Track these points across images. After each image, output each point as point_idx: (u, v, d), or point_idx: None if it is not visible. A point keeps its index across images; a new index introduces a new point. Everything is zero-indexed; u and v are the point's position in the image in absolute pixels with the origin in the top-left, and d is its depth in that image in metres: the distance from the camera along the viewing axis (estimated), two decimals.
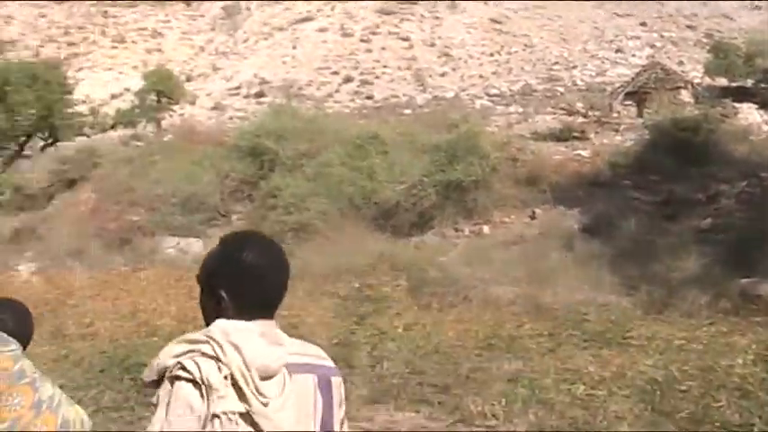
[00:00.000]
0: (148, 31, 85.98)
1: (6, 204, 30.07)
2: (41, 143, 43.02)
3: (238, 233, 2.65)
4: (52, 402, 3.21)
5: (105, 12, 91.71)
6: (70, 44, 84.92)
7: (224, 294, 2.42)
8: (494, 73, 61.01)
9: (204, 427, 2.24)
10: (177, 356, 2.32)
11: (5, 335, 3.26)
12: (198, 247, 20.15)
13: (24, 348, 3.35)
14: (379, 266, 14.68)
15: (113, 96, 65.67)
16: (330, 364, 2.57)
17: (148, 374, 2.38)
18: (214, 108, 59.06)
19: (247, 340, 2.33)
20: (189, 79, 66.09)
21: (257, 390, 2.28)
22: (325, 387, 2.50)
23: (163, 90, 45.22)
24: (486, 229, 20.59)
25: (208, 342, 2.31)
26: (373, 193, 21.75)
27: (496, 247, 17.76)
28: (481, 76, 60.36)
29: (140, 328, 10.60)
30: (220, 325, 2.36)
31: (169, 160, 25.75)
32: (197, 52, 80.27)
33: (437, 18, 71.23)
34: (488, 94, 55.37)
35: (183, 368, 2.28)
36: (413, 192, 21.24)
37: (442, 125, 26.33)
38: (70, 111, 43.42)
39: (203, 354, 2.30)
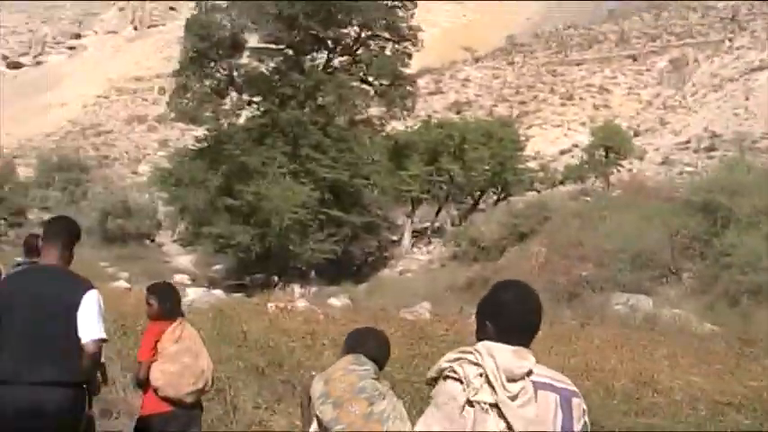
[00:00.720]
0: (595, 88, 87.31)
1: (462, 255, 32.03)
2: (494, 197, 45.36)
3: (505, 280, 3.44)
4: (382, 416, 4.17)
5: (554, 71, 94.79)
6: (521, 103, 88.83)
7: (488, 323, 3.22)
8: None
9: (462, 412, 3.01)
10: (450, 361, 3.14)
11: (364, 357, 4.36)
12: (647, 305, 19.82)
13: (381, 369, 4.43)
14: None
15: (562, 152, 67.36)
16: (573, 388, 3.16)
17: (430, 373, 3.20)
18: (663, 163, 58.21)
19: (501, 353, 3.08)
20: (636, 134, 65.93)
21: (503, 386, 3.00)
22: (566, 406, 3.10)
23: (611, 145, 45.48)
24: None
25: (473, 352, 3.11)
26: None
27: None
28: None
29: (596, 387, 10.49)
30: (484, 342, 3.16)
31: (618, 215, 25.79)
32: (644, 107, 80.00)
33: None
34: None
35: (453, 370, 3.10)
36: None
37: None
38: (521, 166, 45.44)
39: (468, 360, 3.09)
